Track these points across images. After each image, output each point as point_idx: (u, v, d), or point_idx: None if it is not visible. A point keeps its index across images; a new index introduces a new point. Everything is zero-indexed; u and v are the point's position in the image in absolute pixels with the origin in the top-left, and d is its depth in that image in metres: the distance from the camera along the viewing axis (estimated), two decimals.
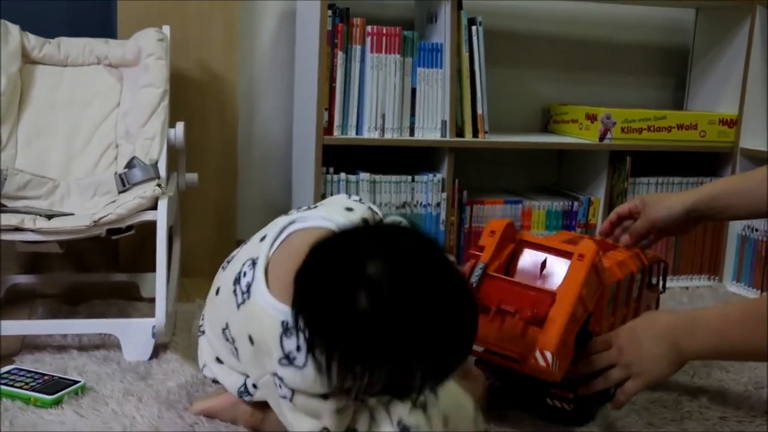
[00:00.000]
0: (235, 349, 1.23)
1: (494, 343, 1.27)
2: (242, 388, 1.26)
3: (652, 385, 1.36)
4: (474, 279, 1.32)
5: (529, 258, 1.38)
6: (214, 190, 2.30)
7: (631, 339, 1.31)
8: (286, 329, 1.10)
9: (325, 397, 1.12)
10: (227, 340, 1.25)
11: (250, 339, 1.18)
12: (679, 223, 1.56)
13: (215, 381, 1.33)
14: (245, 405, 1.31)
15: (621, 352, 1.31)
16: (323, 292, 1.03)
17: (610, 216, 1.64)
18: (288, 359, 1.10)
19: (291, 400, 1.13)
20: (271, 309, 1.13)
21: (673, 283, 2.44)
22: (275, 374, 1.13)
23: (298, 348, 1.09)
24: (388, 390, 1.13)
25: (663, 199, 1.58)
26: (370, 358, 1.03)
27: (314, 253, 1.06)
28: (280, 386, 1.13)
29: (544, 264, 1.37)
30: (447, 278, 1.05)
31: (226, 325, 1.24)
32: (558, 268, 1.32)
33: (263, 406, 1.26)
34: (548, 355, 1.22)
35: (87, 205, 1.79)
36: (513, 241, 1.40)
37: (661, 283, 1.69)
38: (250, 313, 1.18)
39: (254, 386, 1.23)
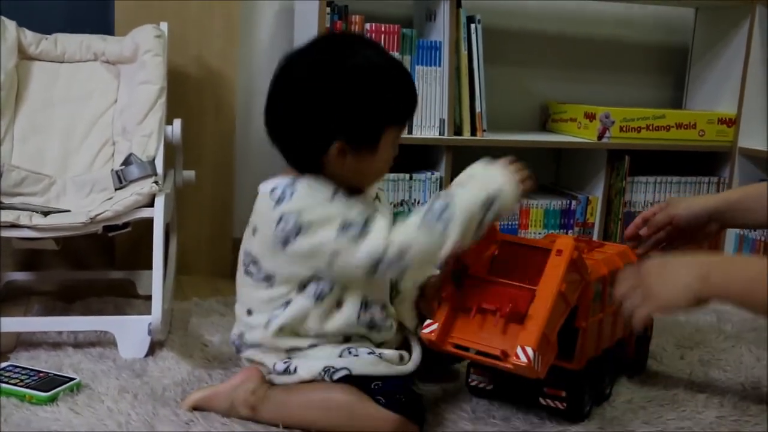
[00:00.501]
0: (254, 262, 1.35)
1: (476, 341, 1.28)
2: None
3: (666, 312, 1.31)
4: (455, 280, 1.32)
5: (510, 257, 1.37)
6: (211, 188, 2.30)
7: (659, 265, 1.28)
8: (272, 190, 1.30)
9: (329, 200, 1.30)
10: (247, 272, 1.37)
11: (254, 231, 1.34)
12: (699, 223, 1.56)
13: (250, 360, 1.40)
14: (246, 385, 1.33)
15: (644, 276, 1.28)
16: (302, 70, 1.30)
17: (635, 220, 1.63)
18: (279, 202, 1.28)
19: (305, 231, 1.26)
20: (262, 190, 1.33)
21: None
22: (279, 220, 1.27)
23: (282, 191, 1.28)
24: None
25: (687, 199, 1.60)
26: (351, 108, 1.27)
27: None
28: (290, 227, 1.26)
29: (524, 262, 1.35)
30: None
31: (244, 255, 1.37)
32: (539, 266, 1.30)
33: (264, 383, 1.34)
34: (529, 351, 1.21)
35: (83, 202, 1.79)
36: (494, 242, 1.38)
37: None
38: (256, 205, 1.36)
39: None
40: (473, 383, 1.48)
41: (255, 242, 1.36)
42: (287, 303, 1.34)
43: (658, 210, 1.60)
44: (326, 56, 1.31)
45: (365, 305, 1.36)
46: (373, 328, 1.38)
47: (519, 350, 1.22)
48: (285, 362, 1.35)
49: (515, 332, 1.25)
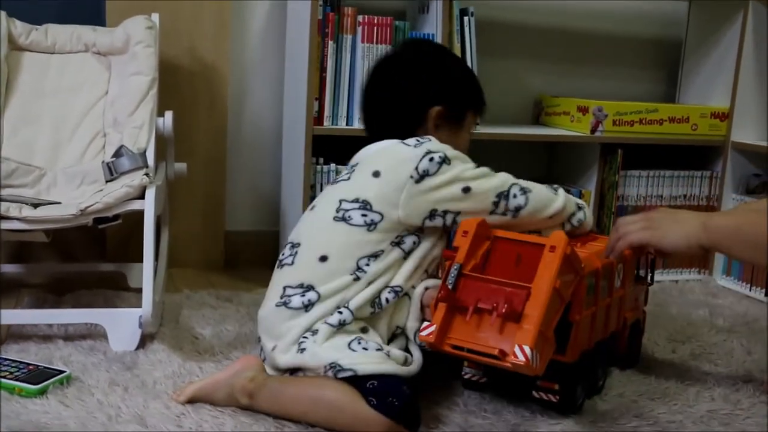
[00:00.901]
0: (364, 205, 1.41)
1: (474, 342, 1.27)
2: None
3: (658, 246, 1.40)
4: (450, 280, 1.32)
5: (504, 254, 1.38)
6: (202, 181, 2.29)
7: (668, 210, 1.45)
8: (401, 141, 1.45)
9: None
10: (342, 218, 1.42)
11: (375, 174, 1.42)
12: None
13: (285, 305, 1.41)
14: (245, 372, 1.34)
15: (652, 215, 1.41)
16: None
17: (618, 248, 1.49)
18: (419, 145, 1.43)
19: (449, 163, 1.40)
20: (383, 144, 1.48)
21: (664, 276, 2.44)
22: (425, 155, 1.39)
23: (417, 140, 1.44)
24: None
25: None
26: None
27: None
28: (436, 160, 1.40)
29: (518, 258, 1.36)
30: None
31: (338, 203, 1.43)
32: (533, 262, 1.31)
33: (263, 371, 1.38)
34: (527, 349, 1.21)
35: (74, 194, 1.78)
36: (487, 239, 1.39)
37: (649, 275, 1.69)
38: (369, 159, 1.47)
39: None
40: (467, 376, 1.49)
41: (372, 185, 1.42)
42: (377, 254, 1.41)
43: (646, 246, 1.47)
44: (425, 46, 1.73)
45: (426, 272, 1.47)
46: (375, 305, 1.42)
47: (517, 349, 1.22)
48: (302, 339, 1.37)
49: (512, 331, 1.25)
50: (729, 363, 1.71)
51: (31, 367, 1.46)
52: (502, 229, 1.41)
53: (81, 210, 1.61)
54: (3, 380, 1.39)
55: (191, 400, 1.37)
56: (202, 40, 2.22)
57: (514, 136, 2.33)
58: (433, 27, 2.19)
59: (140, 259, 1.63)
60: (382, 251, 1.41)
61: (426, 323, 1.33)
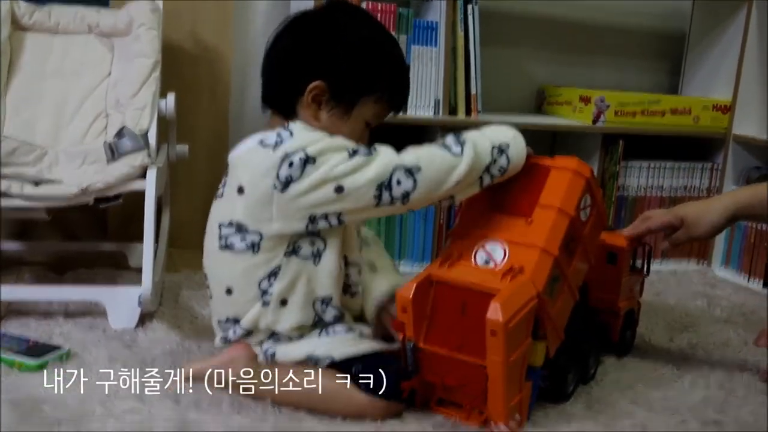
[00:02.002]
0: (239, 229, 1.31)
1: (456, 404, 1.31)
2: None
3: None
4: (409, 362, 1.29)
5: (448, 302, 1.29)
6: (204, 163, 2.29)
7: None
8: (261, 141, 1.29)
9: (329, 136, 1.30)
10: (226, 246, 1.33)
11: (239, 191, 1.30)
12: (720, 230, 1.57)
13: (226, 340, 1.39)
14: (235, 365, 1.30)
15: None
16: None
17: (640, 229, 1.61)
18: (277, 146, 1.27)
19: (313, 161, 1.23)
20: (246, 146, 1.32)
21: (662, 266, 2.44)
22: (283, 160, 1.24)
23: (277, 135, 1.28)
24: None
25: (704, 214, 1.55)
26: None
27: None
28: (297, 163, 1.24)
29: (464, 307, 1.28)
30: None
31: (218, 229, 1.35)
32: (478, 311, 1.20)
33: (254, 360, 1.33)
34: (502, 427, 1.23)
35: (75, 173, 1.77)
36: (430, 286, 1.30)
37: (645, 266, 1.69)
38: (236, 165, 1.32)
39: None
40: None
41: (239, 205, 1.31)
42: (275, 271, 1.31)
43: (668, 224, 1.58)
44: (331, 11, 1.39)
45: (345, 262, 1.37)
46: (347, 289, 1.40)
47: (495, 428, 1.23)
48: (265, 348, 1.35)
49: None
50: (725, 352, 1.72)
51: (31, 342, 1.47)
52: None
53: (82, 189, 1.61)
54: (3, 355, 1.40)
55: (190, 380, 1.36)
56: (205, 24, 2.22)
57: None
58: (436, 14, 2.19)
59: (141, 240, 1.64)
60: (279, 266, 1.31)
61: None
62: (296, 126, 1.31)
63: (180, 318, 1.70)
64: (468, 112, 2.24)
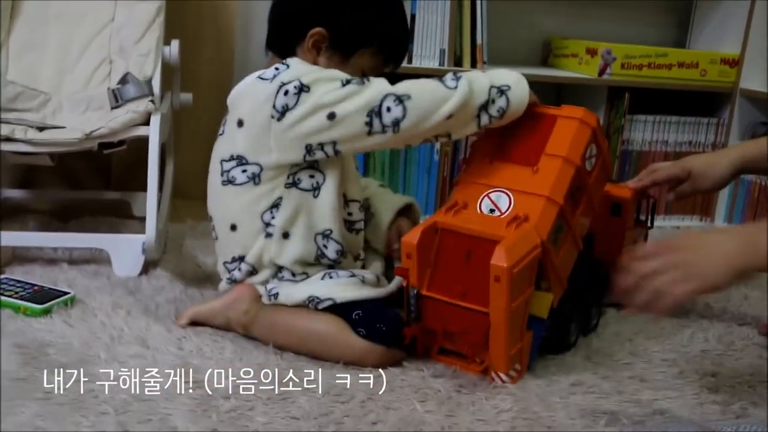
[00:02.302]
0: (240, 161, 1.34)
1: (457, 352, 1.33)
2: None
3: (708, 291, 1.10)
4: (412, 309, 1.31)
5: (453, 250, 1.30)
6: (208, 113, 2.27)
7: (695, 238, 1.14)
8: (259, 76, 1.32)
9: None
10: (228, 180, 1.36)
11: (239, 124, 1.33)
12: (726, 184, 1.57)
13: (232, 280, 1.41)
14: (238, 305, 1.36)
15: (676, 251, 1.09)
16: None
17: (645, 181, 1.60)
18: (274, 78, 1.30)
19: (307, 90, 1.26)
20: (246, 81, 1.35)
21: (665, 222, 2.44)
22: (279, 89, 1.27)
23: (275, 69, 1.31)
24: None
25: (711, 167, 1.53)
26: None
27: None
28: (292, 91, 1.27)
29: (468, 254, 1.28)
30: None
31: (220, 164, 1.38)
32: (483, 258, 1.21)
33: (257, 301, 1.37)
34: (502, 376, 1.27)
35: (79, 119, 1.77)
36: (435, 233, 1.31)
37: (649, 219, 1.70)
38: (235, 101, 1.36)
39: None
40: None
41: (240, 138, 1.34)
42: (276, 203, 1.34)
43: (673, 176, 1.57)
44: None
45: (345, 200, 1.40)
46: (350, 226, 1.42)
47: (494, 375, 1.28)
48: (269, 288, 1.37)
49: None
50: (725, 307, 1.73)
51: (36, 287, 1.48)
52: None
53: (86, 134, 1.61)
54: (8, 299, 1.41)
55: (191, 321, 1.40)
56: None
57: None
58: None
59: (145, 189, 1.65)
60: (281, 198, 1.34)
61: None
62: (293, 60, 1.33)
63: (183, 266, 1.71)
64: (473, 63, 2.23)
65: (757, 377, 1.38)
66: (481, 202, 1.33)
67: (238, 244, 1.38)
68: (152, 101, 1.70)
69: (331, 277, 1.36)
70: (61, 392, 1.14)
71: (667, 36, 2.71)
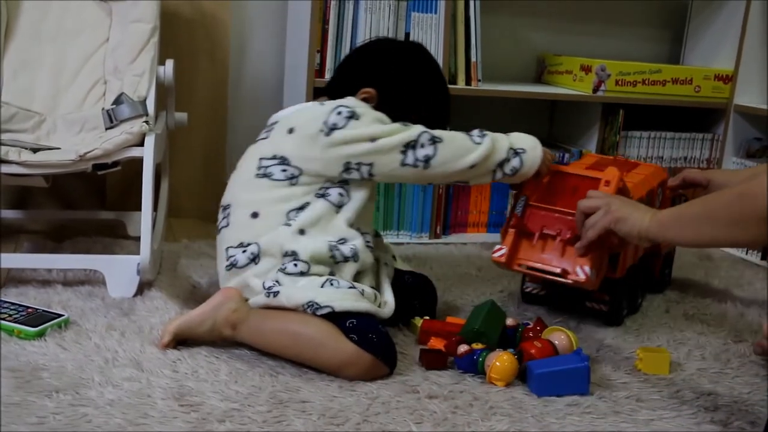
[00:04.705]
0: (282, 161, 1.44)
1: (540, 262, 1.53)
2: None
3: (620, 229, 1.36)
4: (518, 209, 1.56)
5: (563, 185, 1.59)
6: (203, 132, 2.29)
7: (625, 200, 1.44)
8: (319, 102, 1.48)
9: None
10: (264, 174, 1.45)
11: (290, 131, 1.45)
12: None
13: (232, 265, 1.45)
14: (227, 304, 1.39)
15: (611, 200, 1.41)
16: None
17: (676, 180, 1.78)
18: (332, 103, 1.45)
19: (356, 118, 1.41)
20: (304, 105, 1.53)
21: None
22: (334, 110, 1.41)
23: (334, 101, 1.46)
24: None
25: (727, 180, 1.69)
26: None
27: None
28: (344, 115, 1.41)
29: (575, 189, 1.56)
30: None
31: (258, 161, 1.46)
32: (586, 192, 1.49)
33: (245, 303, 1.42)
34: (586, 269, 1.49)
35: (73, 140, 1.77)
36: (549, 173, 1.59)
37: None
38: (287, 118, 1.49)
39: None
40: (528, 290, 1.75)
41: (288, 142, 1.45)
42: (303, 206, 1.43)
43: (698, 181, 1.74)
44: (409, 46, 1.75)
45: (360, 231, 1.48)
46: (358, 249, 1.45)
47: (578, 269, 1.49)
48: (271, 283, 1.39)
49: (573, 253, 1.49)
50: (722, 324, 1.73)
51: (30, 310, 1.47)
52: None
53: (80, 155, 1.61)
54: (2, 322, 1.41)
55: (175, 336, 1.39)
56: None
57: (515, 93, 2.33)
58: None
59: (140, 209, 1.64)
60: (308, 203, 1.43)
61: (497, 246, 1.56)
62: (351, 99, 1.49)
63: (178, 287, 1.70)
64: (468, 80, 2.23)
65: (754, 396, 1.38)
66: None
67: (254, 230, 1.44)
68: (147, 122, 1.70)
69: (331, 284, 1.38)
70: (55, 417, 1.13)
71: (661, 52, 2.72)
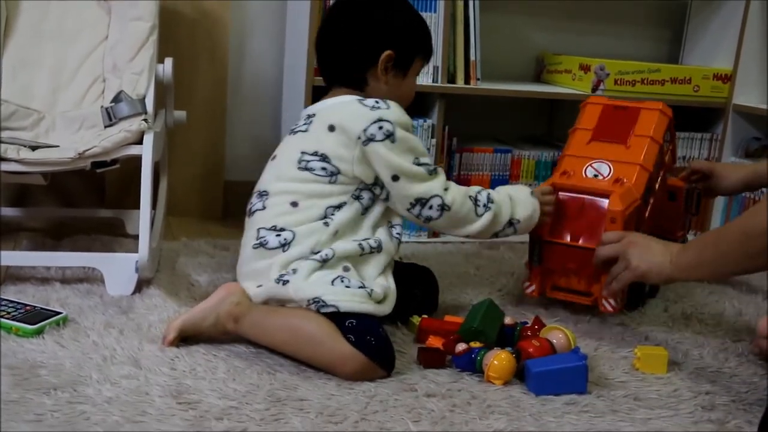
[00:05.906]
0: (323, 158, 1.45)
1: (567, 285, 1.68)
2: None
3: (646, 280, 1.50)
4: (534, 260, 1.68)
5: (569, 210, 1.65)
6: (202, 130, 2.29)
7: (643, 239, 1.48)
8: (359, 100, 1.46)
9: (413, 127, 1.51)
10: (306, 168, 1.45)
11: (330, 128, 1.44)
12: (737, 191, 1.91)
13: (261, 245, 1.45)
14: (230, 298, 1.41)
15: (629, 246, 1.47)
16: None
17: (688, 168, 1.90)
18: (375, 108, 1.44)
19: (393, 141, 1.42)
20: (343, 99, 1.49)
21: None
22: (377, 121, 1.42)
23: (375, 101, 1.45)
24: None
25: (731, 172, 1.85)
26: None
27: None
28: (384, 131, 1.42)
29: (581, 208, 1.64)
30: None
31: (300, 154, 1.46)
32: (595, 208, 1.61)
33: (247, 297, 1.43)
34: (613, 302, 1.59)
35: (72, 138, 1.77)
36: (552, 192, 1.65)
37: (695, 206, 1.90)
38: (326, 112, 1.48)
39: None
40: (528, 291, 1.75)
41: (329, 140, 1.45)
42: (340, 205, 1.45)
43: (702, 170, 1.86)
44: None
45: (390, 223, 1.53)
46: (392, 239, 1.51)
47: (604, 302, 1.59)
48: (282, 272, 1.40)
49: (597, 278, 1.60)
50: (719, 323, 1.73)
51: (28, 307, 1.48)
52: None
53: (79, 153, 1.61)
54: (1, 320, 1.41)
55: (180, 333, 1.40)
56: None
57: (514, 92, 2.33)
58: None
59: (138, 207, 1.64)
60: (345, 203, 1.45)
61: (527, 283, 1.71)
62: (391, 102, 1.47)
63: (177, 285, 1.70)
64: (467, 79, 2.23)
65: (752, 395, 1.38)
66: (585, 170, 1.68)
67: (292, 218, 1.45)
68: (145, 120, 1.70)
69: (342, 282, 1.39)
70: (53, 414, 1.13)
71: (660, 52, 2.73)
